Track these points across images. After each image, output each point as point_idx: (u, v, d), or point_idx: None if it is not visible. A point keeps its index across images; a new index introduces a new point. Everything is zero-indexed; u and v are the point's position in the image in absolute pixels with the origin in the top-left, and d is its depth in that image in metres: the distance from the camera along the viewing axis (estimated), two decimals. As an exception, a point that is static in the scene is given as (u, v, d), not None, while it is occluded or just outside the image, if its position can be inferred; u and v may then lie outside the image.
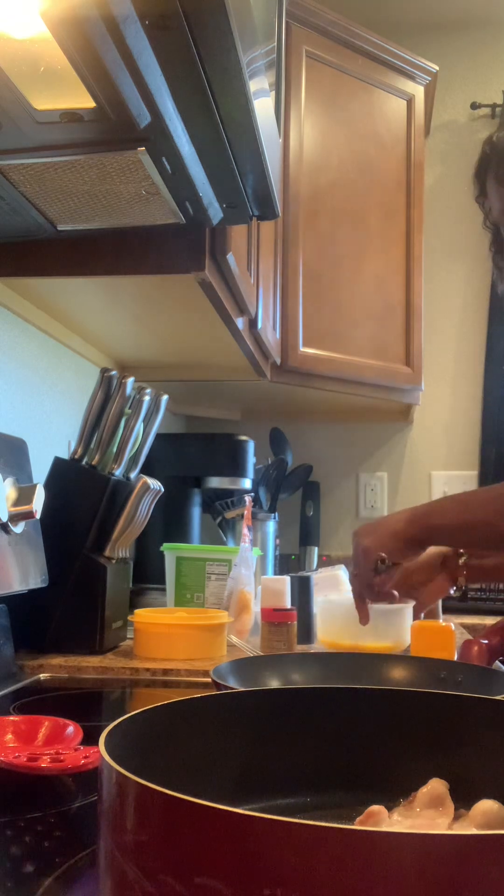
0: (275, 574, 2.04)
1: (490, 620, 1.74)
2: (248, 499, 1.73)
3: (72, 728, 0.76)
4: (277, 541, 2.25)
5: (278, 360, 2.02)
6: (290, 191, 2.09)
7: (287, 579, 1.39)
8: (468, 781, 0.50)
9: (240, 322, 1.55)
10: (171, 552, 1.61)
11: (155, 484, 1.36)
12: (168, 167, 0.95)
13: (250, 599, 1.45)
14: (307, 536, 2.57)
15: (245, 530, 1.54)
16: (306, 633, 1.43)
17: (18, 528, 1.14)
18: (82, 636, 1.27)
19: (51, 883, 0.48)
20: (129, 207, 1.06)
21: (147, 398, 1.36)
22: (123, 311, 1.53)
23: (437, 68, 2.45)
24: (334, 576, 1.66)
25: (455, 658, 1.19)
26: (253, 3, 0.83)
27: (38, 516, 1.15)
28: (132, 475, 1.38)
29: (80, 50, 0.74)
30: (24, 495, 1.14)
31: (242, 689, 0.66)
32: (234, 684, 0.78)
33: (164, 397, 1.45)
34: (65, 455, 1.38)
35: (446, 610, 1.74)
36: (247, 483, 2.01)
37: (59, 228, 1.13)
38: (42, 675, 1.17)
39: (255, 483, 2.13)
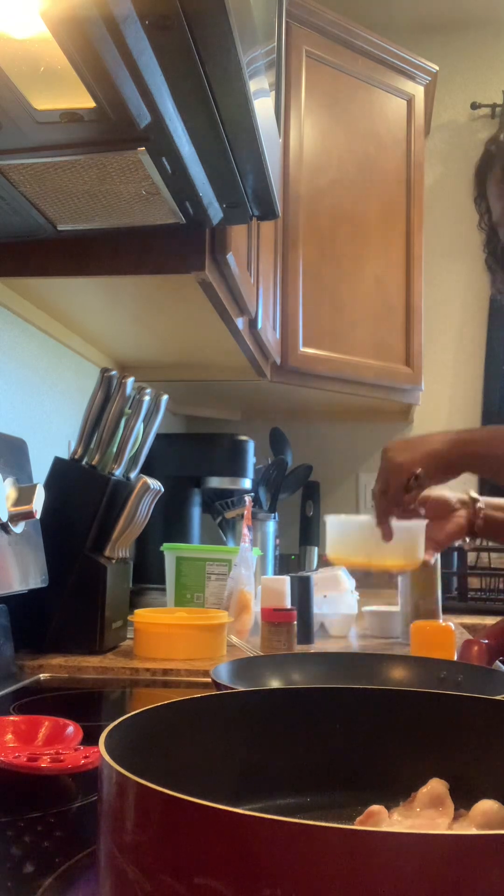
0: (275, 574, 2.04)
1: (490, 620, 1.74)
2: (248, 499, 1.73)
3: (72, 728, 0.76)
4: (277, 541, 2.25)
5: (278, 360, 2.02)
6: (290, 191, 2.09)
7: (287, 579, 1.39)
8: (468, 781, 0.50)
9: (240, 322, 1.55)
10: (171, 552, 1.61)
11: (155, 484, 1.36)
12: (168, 167, 0.95)
13: (250, 599, 1.45)
14: (307, 536, 2.57)
15: (245, 530, 1.54)
16: (306, 633, 1.43)
17: (18, 528, 1.14)
18: (82, 636, 1.27)
19: (51, 883, 0.48)
20: (129, 207, 1.06)
21: (147, 398, 1.36)
22: (123, 311, 1.53)
23: (437, 68, 2.45)
24: (334, 576, 1.66)
25: (455, 658, 1.19)
26: (253, 3, 0.83)
27: (38, 516, 1.15)
28: (132, 475, 1.38)
29: (80, 50, 0.74)
30: (24, 495, 1.14)
31: (242, 689, 0.66)
32: (234, 684, 0.78)
33: (164, 397, 1.45)
34: (65, 455, 1.37)
35: (446, 610, 1.74)
36: (247, 483, 2.01)
37: (59, 228, 1.13)
38: (42, 675, 1.17)
39: (255, 483, 2.13)
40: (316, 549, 2.57)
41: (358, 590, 1.71)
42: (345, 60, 2.23)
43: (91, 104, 0.82)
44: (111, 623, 1.31)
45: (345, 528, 1.31)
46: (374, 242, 2.29)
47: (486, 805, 0.46)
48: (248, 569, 1.48)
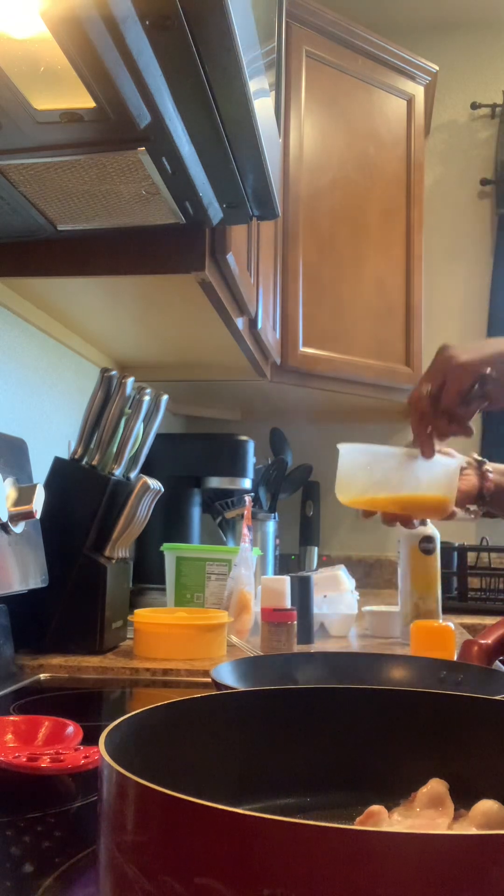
0: (275, 574, 2.04)
1: (490, 620, 1.74)
2: (248, 499, 1.73)
3: (72, 728, 0.76)
4: (277, 541, 2.25)
5: (278, 360, 2.02)
6: (290, 191, 2.09)
7: (287, 579, 1.39)
8: (468, 781, 0.50)
9: (240, 322, 1.55)
10: (171, 552, 1.61)
11: (155, 484, 1.36)
12: (168, 167, 0.95)
13: (250, 599, 1.45)
14: (307, 536, 2.57)
15: (245, 530, 1.54)
16: (306, 633, 1.43)
17: (18, 528, 1.14)
18: (82, 636, 1.27)
19: (51, 883, 0.48)
20: (129, 207, 1.06)
21: (147, 398, 1.36)
22: (123, 311, 1.53)
23: (437, 68, 2.45)
24: (334, 576, 1.66)
25: (455, 658, 1.19)
26: (253, 3, 0.83)
27: (38, 516, 1.15)
28: (132, 475, 1.38)
29: (80, 50, 0.74)
30: (24, 495, 1.14)
31: (242, 689, 0.66)
32: (234, 684, 0.78)
33: (164, 397, 1.45)
34: (65, 455, 1.38)
35: (446, 610, 1.75)
36: (247, 483, 2.01)
37: (59, 228, 1.13)
38: (42, 675, 1.17)
39: (255, 483, 2.13)
40: (316, 549, 2.57)
41: (358, 590, 1.71)
42: (345, 60, 2.23)
43: (91, 104, 0.82)
44: (111, 623, 1.31)
45: (366, 458, 1.07)
46: (374, 242, 2.29)
47: (486, 805, 0.46)
48: (248, 569, 1.48)
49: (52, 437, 1.62)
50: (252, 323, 1.66)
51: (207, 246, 1.20)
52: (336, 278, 2.20)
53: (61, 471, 1.33)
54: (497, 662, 1.24)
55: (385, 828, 0.41)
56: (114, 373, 1.35)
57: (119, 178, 0.97)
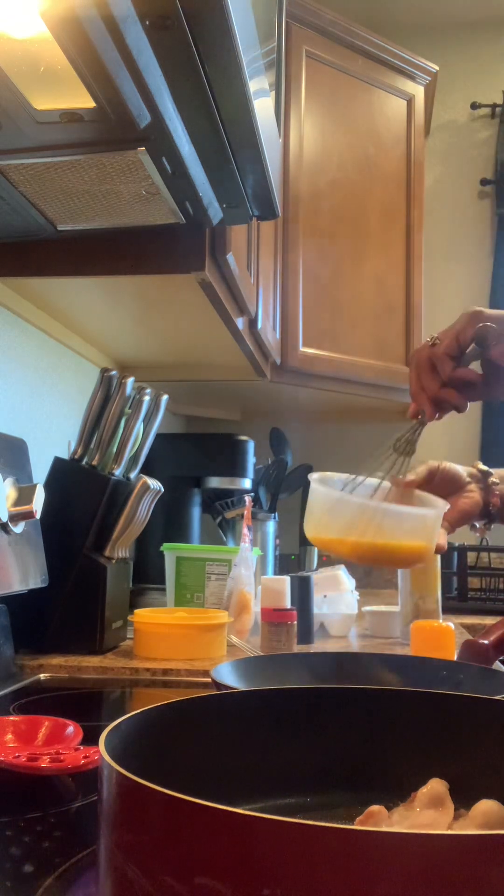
0: (275, 574, 2.04)
1: (490, 620, 1.74)
2: (248, 499, 1.73)
3: (72, 728, 0.76)
4: (277, 541, 2.25)
5: (278, 360, 2.02)
6: (290, 191, 2.09)
7: (287, 579, 1.39)
8: (468, 781, 0.50)
9: (240, 322, 1.55)
10: (171, 552, 1.61)
11: (155, 484, 1.36)
12: (168, 167, 0.95)
13: (250, 599, 1.45)
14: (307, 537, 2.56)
15: (245, 530, 1.54)
16: (306, 633, 1.43)
17: (18, 528, 1.14)
18: (82, 636, 1.27)
19: (51, 883, 0.48)
20: (129, 207, 1.06)
21: (147, 398, 1.36)
22: (123, 311, 1.53)
23: (437, 68, 2.45)
24: (334, 576, 1.66)
25: (455, 658, 1.19)
26: (253, 3, 0.83)
27: (38, 516, 1.15)
28: (132, 475, 1.38)
29: (80, 50, 0.74)
30: (24, 495, 1.14)
31: (242, 689, 0.66)
32: (234, 684, 0.78)
33: (164, 397, 1.45)
34: (65, 455, 1.38)
35: (446, 610, 1.75)
36: (247, 483, 2.01)
37: (59, 228, 1.13)
38: (42, 675, 1.17)
39: (255, 483, 2.13)
40: (316, 549, 2.57)
41: (358, 590, 1.71)
42: (345, 60, 2.23)
43: (91, 104, 0.82)
44: (111, 623, 1.31)
45: (338, 497, 0.95)
46: (374, 242, 2.29)
47: (486, 805, 0.46)
48: (248, 569, 1.48)
49: (52, 437, 1.61)
50: (252, 323, 1.66)
51: (207, 246, 1.20)
52: (336, 278, 2.20)
53: (61, 471, 1.33)
54: (497, 662, 1.24)
55: (385, 828, 0.41)
56: (114, 373, 1.35)
57: (119, 178, 0.97)
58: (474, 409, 2.76)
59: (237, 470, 1.99)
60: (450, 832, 0.42)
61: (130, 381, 1.35)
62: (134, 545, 1.62)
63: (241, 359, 1.79)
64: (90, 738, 0.70)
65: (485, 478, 1.09)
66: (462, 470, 1.09)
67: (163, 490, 1.41)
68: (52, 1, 0.69)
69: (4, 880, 0.49)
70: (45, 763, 0.65)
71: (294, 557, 2.51)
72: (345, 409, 2.57)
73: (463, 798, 0.48)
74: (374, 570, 2.73)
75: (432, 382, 0.97)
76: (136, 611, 1.35)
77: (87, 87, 0.79)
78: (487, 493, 1.07)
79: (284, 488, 2.34)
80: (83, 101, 0.81)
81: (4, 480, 1.12)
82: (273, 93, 1.08)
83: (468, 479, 1.08)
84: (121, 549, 1.34)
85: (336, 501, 0.94)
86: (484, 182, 2.84)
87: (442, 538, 0.97)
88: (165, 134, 0.88)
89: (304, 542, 2.57)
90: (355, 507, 0.92)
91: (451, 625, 1.25)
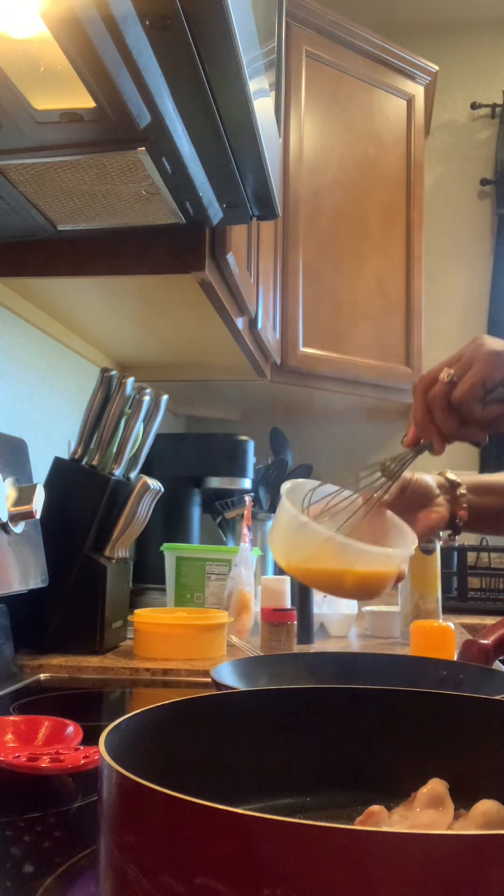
0: (275, 574, 2.04)
1: (490, 620, 1.74)
2: (248, 499, 1.73)
3: (72, 728, 0.77)
4: (277, 541, 2.25)
5: (278, 360, 2.02)
6: (290, 191, 2.09)
7: (287, 579, 1.39)
8: (468, 781, 0.50)
9: (240, 322, 1.55)
10: (171, 552, 1.61)
11: (155, 484, 1.36)
12: (168, 167, 0.95)
13: (250, 599, 1.45)
14: (307, 536, 2.56)
15: (245, 530, 1.54)
16: (306, 633, 1.43)
17: (18, 528, 1.14)
18: (82, 636, 1.27)
19: (51, 883, 0.48)
20: (129, 207, 1.06)
21: (147, 398, 1.36)
22: (123, 311, 1.53)
23: (437, 68, 2.45)
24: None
25: (455, 658, 1.19)
26: (253, 3, 0.83)
27: (38, 516, 1.15)
28: (132, 475, 1.38)
29: (80, 50, 0.74)
30: (24, 495, 1.14)
31: (242, 689, 0.66)
32: (234, 684, 0.78)
33: (164, 397, 1.45)
34: (65, 455, 1.37)
35: (446, 610, 1.75)
36: (247, 483, 2.01)
37: (59, 228, 1.13)
38: (42, 675, 1.17)
39: (255, 483, 2.13)
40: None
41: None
42: (345, 60, 2.23)
43: (91, 104, 0.82)
44: (111, 623, 1.31)
45: (302, 524, 0.87)
46: (374, 242, 2.29)
47: (486, 805, 0.46)
48: (248, 569, 1.48)
49: (52, 437, 1.62)
50: (252, 323, 1.66)
51: (207, 246, 1.20)
52: (336, 278, 2.20)
53: (61, 471, 1.33)
54: (497, 662, 1.24)
55: (385, 828, 0.41)
56: (114, 373, 1.35)
57: (119, 178, 0.97)
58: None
59: (237, 470, 1.99)
60: (450, 832, 0.42)
61: (130, 381, 1.35)
62: (134, 545, 1.62)
63: (241, 359, 1.79)
64: (90, 738, 0.70)
65: (453, 489, 1.08)
66: (432, 481, 1.08)
67: (163, 490, 1.41)
68: (52, 1, 0.69)
69: (4, 880, 0.49)
70: (45, 763, 0.65)
71: (294, 557, 2.51)
72: (345, 409, 2.57)
73: (463, 798, 0.48)
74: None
75: (450, 422, 0.93)
76: (136, 611, 1.35)
77: (87, 87, 0.79)
78: (455, 506, 1.06)
79: (284, 488, 2.34)
80: (83, 101, 0.81)
81: (4, 480, 1.12)
82: (273, 93, 1.07)
83: (437, 492, 1.07)
84: (121, 549, 1.34)
85: (298, 529, 0.87)
86: (484, 182, 2.84)
87: (403, 565, 0.92)
88: (165, 134, 0.89)
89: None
90: (319, 540, 0.85)
91: (451, 625, 1.25)
